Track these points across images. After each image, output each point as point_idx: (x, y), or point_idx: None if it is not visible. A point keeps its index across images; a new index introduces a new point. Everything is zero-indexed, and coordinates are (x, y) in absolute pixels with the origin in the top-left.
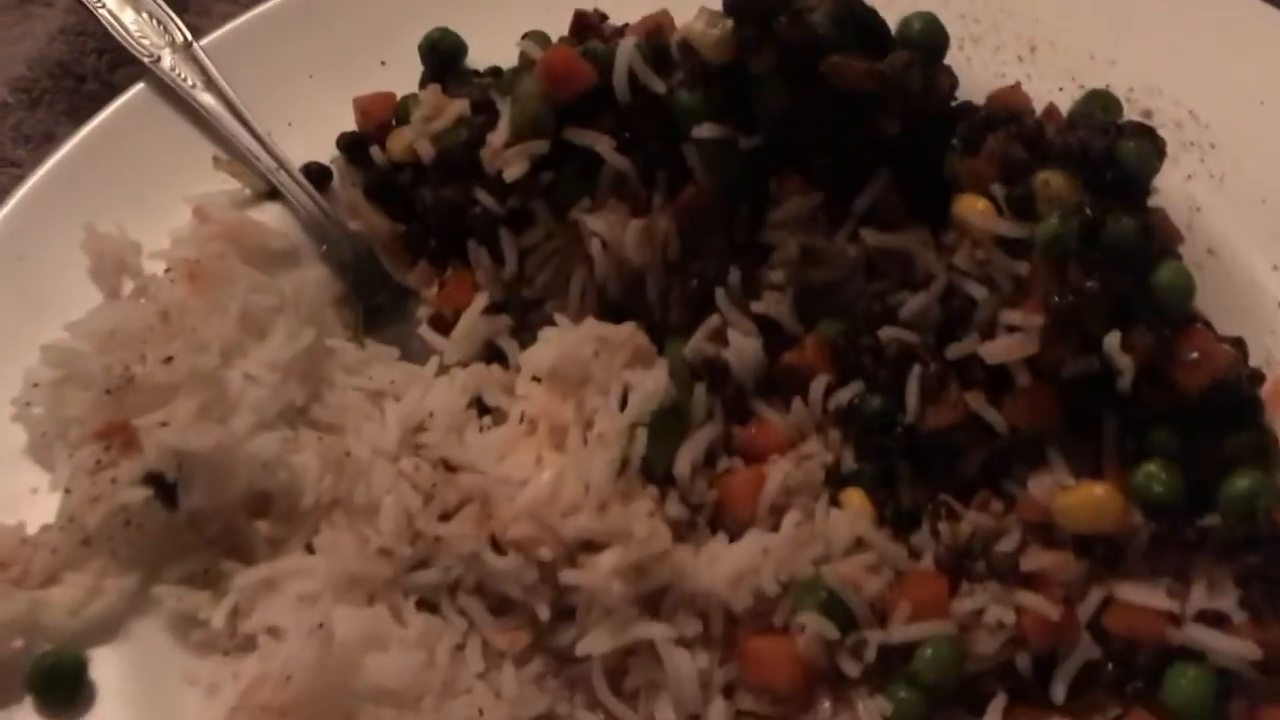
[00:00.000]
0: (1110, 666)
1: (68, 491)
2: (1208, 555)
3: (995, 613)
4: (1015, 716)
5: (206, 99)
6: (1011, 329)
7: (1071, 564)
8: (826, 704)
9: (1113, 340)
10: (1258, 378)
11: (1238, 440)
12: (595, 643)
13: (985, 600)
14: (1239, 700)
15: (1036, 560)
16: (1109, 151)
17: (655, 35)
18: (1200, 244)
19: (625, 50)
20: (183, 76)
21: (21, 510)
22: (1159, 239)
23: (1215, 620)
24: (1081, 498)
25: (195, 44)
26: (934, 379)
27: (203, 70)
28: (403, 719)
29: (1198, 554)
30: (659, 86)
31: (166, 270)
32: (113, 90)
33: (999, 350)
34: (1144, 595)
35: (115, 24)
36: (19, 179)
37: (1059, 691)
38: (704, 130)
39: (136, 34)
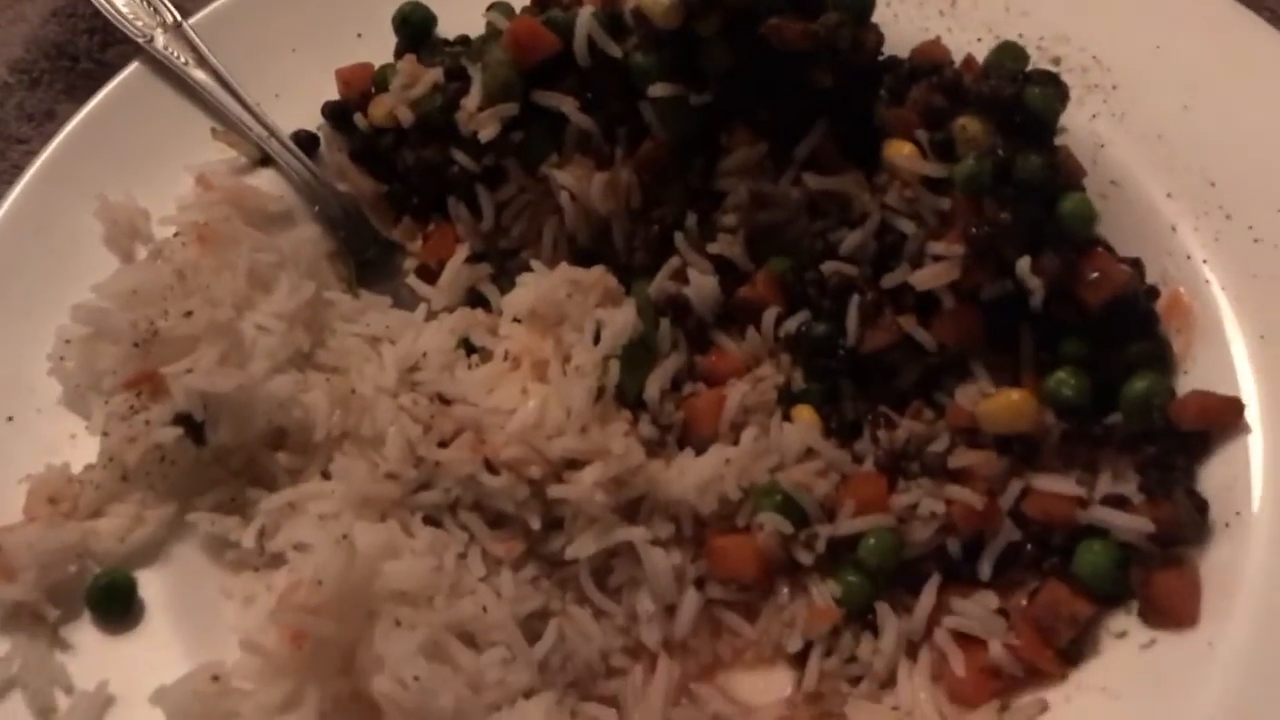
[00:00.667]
0: (1029, 547)
1: (105, 434)
2: (1112, 448)
3: (928, 505)
4: (948, 594)
5: (199, 75)
6: (937, 258)
7: (994, 461)
8: (785, 590)
9: (1024, 264)
10: (1154, 293)
11: (1136, 348)
12: (582, 547)
13: (919, 495)
14: (1137, 568)
15: (963, 459)
16: (1017, 97)
17: (611, 3)
18: (1104, 176)
19: (584, 18)
20: (175, 54)
21: (64, 453)
22: (1064, 174)
23: (1118, 502)
24: (1001, 403)
25: (185, 23)
26: (871, 306)
27: (193, 48)
28: (418, 615)
29: (1103, 447)
30: (616, 51)
31: (176, 234)
32: (106, 69)
33: (926, 278)
34: (1057, 484)
35: (108, 7)
36: (29, 154)
37: (985, 570)
38: (658, 89)
39: (129, 15)
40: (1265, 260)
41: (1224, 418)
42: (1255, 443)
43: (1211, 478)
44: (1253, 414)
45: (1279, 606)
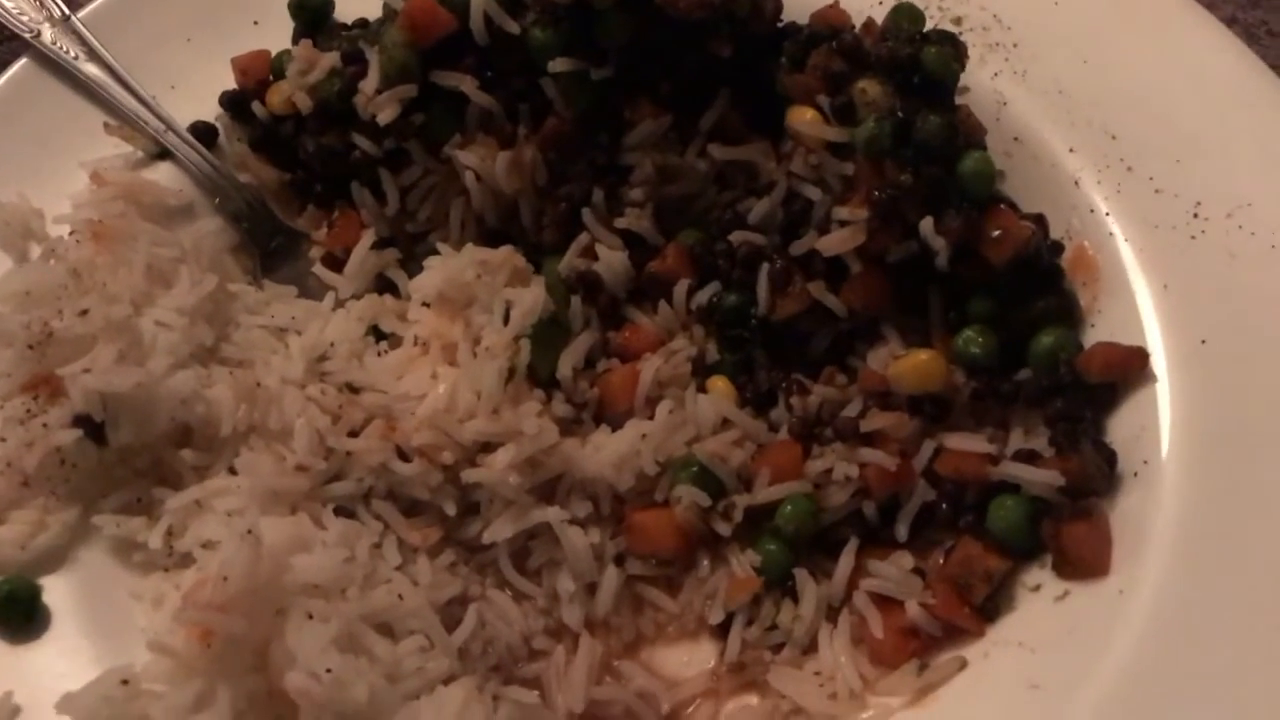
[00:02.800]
0: (943, 506)
1: (2, 440)
2: (1021, 404)
3: (842, 469)
4: (866, 557)
5: (90, 69)
6: (843, 223)
7: (906, 422)
8: (705, 562)
9: (927, 225)
10: (1058, 248)
11: (1043, 303)
12: (498, 530)
13: (833, 460)
14: (1049, 522)
15: (876, 422)
16: (914, 58)
17: None
18: (1007, 133)
19: None
20: (64, 49)
21: None
22: (965, 133)
23: (1028, 457)
24: (911, 364)
25: (73, 16)
26: (781, 274)
27: (83, 42)
28: (331, 608)
29: (1013, 404)
30: (513, 27)
31: (71, 232)
32: None
33: (834, 243)
34: (969, 443)
35: None
36: None
37: (902, 531)
38: (558, 65)
39: (14, 10)
40: (1166, 211)
41: (1129, 368)
42: (1162, 391)
43: (1120, 428)
44: (1159, 363)
45: (1186, 551)
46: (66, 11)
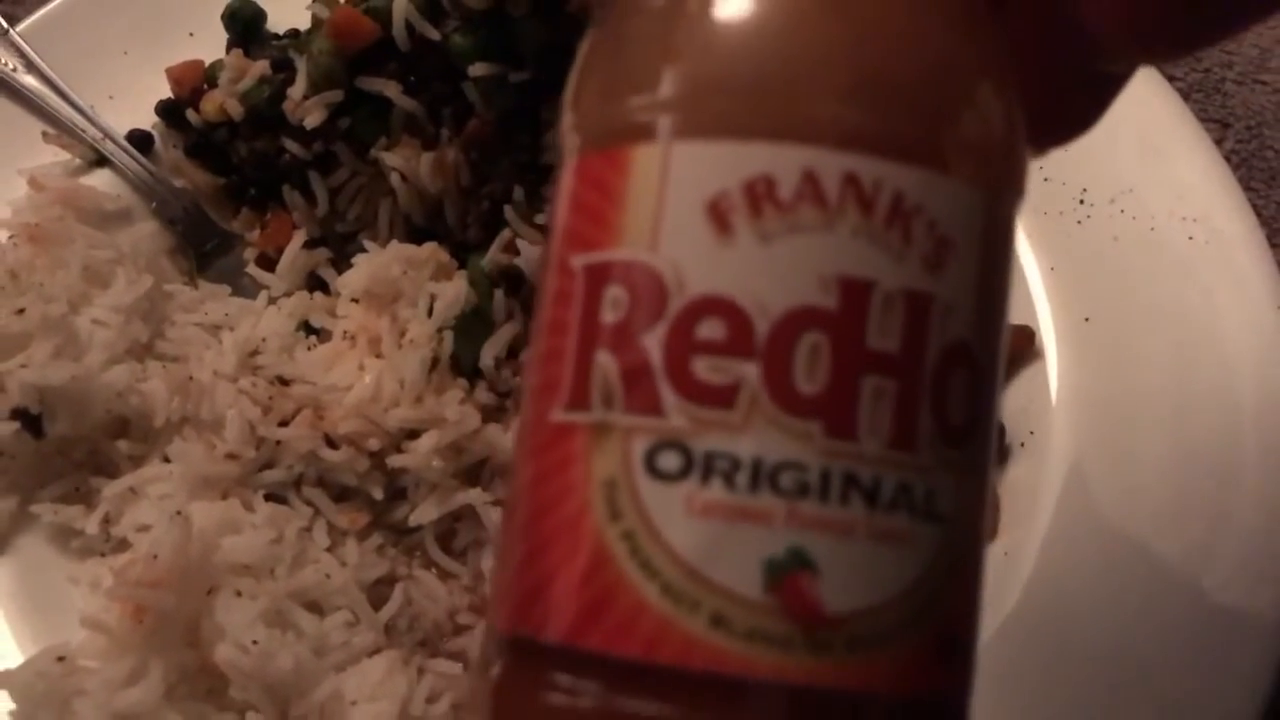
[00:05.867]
0: None
1: None
2: None
3: None
4: None
5: (29, 80)
6: None
7: None
8: None
9: None
10: None
11: None
12: (424, 513)
13: None
14: None
15: None
16: None
17: None
18: None
19: (400, 5)
20: (3, 61)
21: None
22: None
23: None
24: None
25: (11, 30)
26: None
27: (21, 54)
28: (260, 586)
29: None
30: (434, 34)
31: (10, 237)
32: None
33: None
34: None
35: None
36: None
37: None
38: (478, 69)
39: None
40: (1054, 197)
41: (1017, 346)
42: (1049, 367)
43: (1008, 402)
44: (1048, 340)
45: (1066, 511)
46: (5, 25)
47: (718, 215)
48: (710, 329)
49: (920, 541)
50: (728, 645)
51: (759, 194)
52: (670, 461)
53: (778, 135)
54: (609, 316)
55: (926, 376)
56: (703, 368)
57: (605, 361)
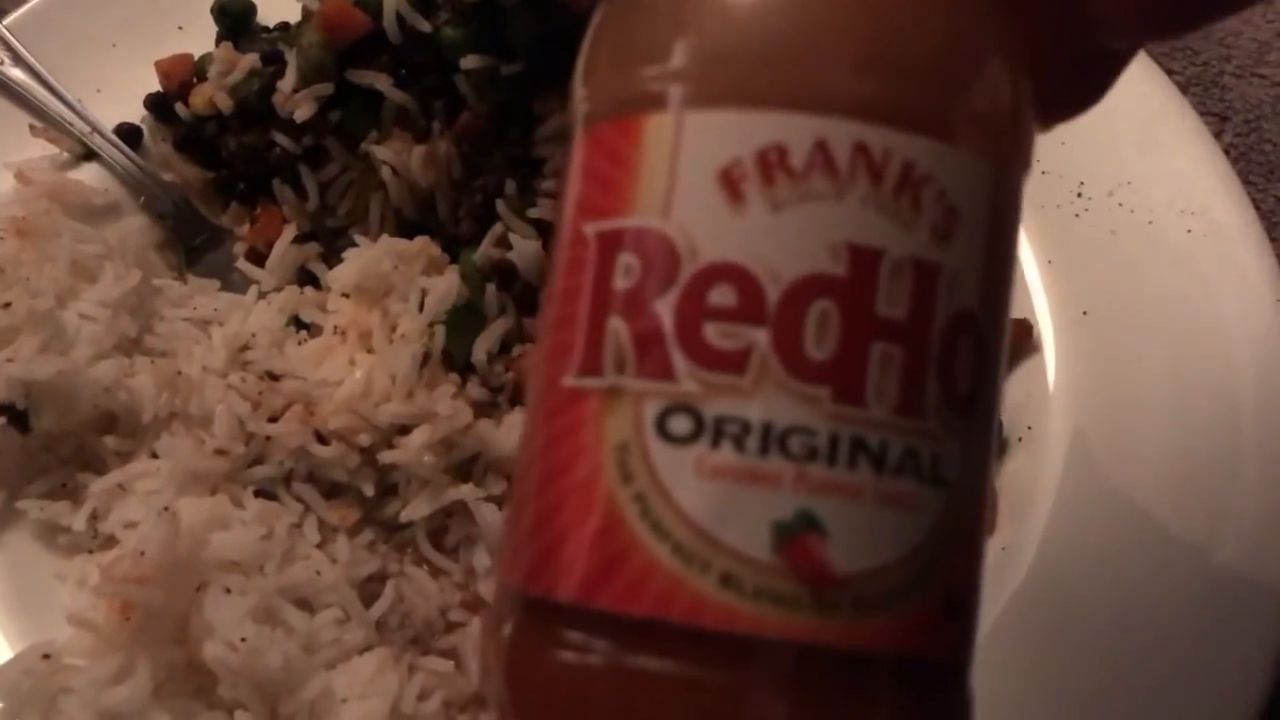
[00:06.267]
0: None
1: None
2: None
3: None
4: None
5: (16, 74)
6: None
7: None
8: None
9: None
10: None
11: None
12: (415, 509)
13: None
14: None
15: None
16: None
17: None
18: None
19: None
20: None
21: None
22: None
23: None
24: None
25: None
26: None
27: (9, 47)
28: (249, 582)
29: None
30: (425, 26)
31: None
32: None
33: None
34: None
35: None
36: None
37: None
38: (470, 61)
39: None
40: (1052, 191)
41: (1015, 340)
42: (1046, 361)
43: (1005, 397)
44: (1046, 334)
45: (1062, 504)
46: None
47: (730, 183)
48: (721, 295)
49: (926, 505)
50: (737, 604)
51: (771, 163)
52: (681, 425)
53: (790, 105)
54: (621, 283)
55: (934, 344)
56: (714, 333)
57: (617, 327)
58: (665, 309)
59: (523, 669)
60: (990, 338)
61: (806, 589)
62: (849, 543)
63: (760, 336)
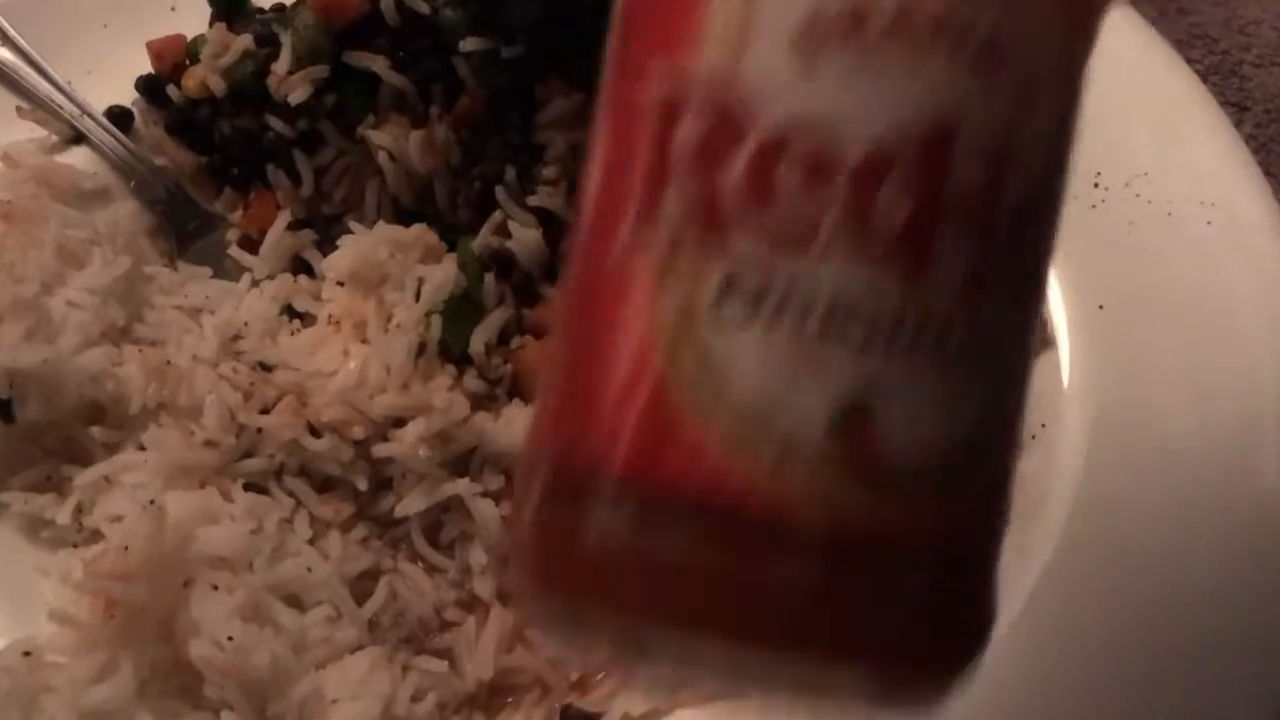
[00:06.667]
0: None
1: None
2: None
3: None
4: None
5: (3, 54)
6: None
7: None
8: None
9: None
10: None
11: None
12: (410, 505)
13: None
14: None
15: None
16: None
17: None
18: None
19: None
20: None
21: None
22: None
23: None
24: None
25: None
26: None
27: None
28: (238, 579)
29: None
30: (423, 8)
31: None
32: None
33: None
34: None
35: None
36: None
37: None
38: (469, 44)
39: None
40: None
41: None
42: (1061, 356)
43: None
44: (1060, 328)
45: (1080, 503)
46: None
47: (806, 44)
48: (789, 165)
49: (980, 393)
50: (786, 490)
51: (850, 24)
52: (738, 302)
53: None
54: (680, 149)
55: (1003, 225)
56: (778, 206)
57: (674, 197)
58: (728, 178)
59: (551, 550)
60: (1050, 223)
61: (859, 474)
62: (904, 428)
63: (827, 210)
